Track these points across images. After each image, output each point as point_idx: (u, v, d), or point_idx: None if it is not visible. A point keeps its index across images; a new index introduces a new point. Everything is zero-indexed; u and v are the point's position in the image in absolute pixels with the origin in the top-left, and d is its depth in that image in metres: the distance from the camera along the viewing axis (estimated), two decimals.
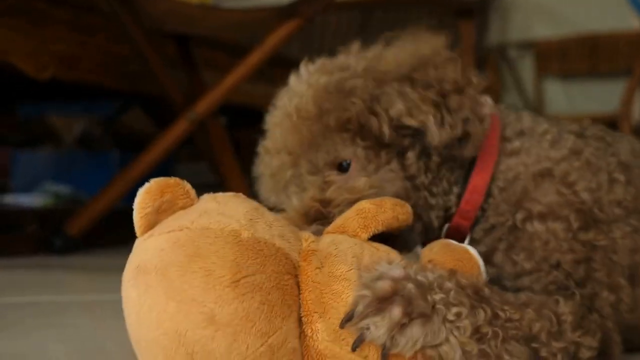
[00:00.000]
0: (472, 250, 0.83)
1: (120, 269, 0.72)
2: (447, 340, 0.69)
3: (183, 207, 0.75)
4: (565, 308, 0.78)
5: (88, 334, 1.03)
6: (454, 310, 0.70)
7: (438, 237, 0.90)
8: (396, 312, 0.68)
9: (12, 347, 0.99)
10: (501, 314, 0.73)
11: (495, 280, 0.86)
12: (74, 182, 2.49)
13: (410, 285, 0.70)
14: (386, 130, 0.87)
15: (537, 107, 4.04)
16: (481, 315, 0.72)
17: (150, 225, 0.74)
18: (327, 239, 0.79)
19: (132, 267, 0.72)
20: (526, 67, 4.18)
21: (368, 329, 0.68)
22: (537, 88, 4.11)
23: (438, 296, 0.70)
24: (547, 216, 0.84)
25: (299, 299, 0.73)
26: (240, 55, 1.96)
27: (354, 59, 0.94)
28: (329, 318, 0.71)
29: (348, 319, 0.69)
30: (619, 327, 0.84)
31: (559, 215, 0.84)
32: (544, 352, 0.75)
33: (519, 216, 0.86)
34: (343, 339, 0.70)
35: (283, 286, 0.71)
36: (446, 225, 0.91)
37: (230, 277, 0.68)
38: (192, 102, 1.92)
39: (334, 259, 0.74)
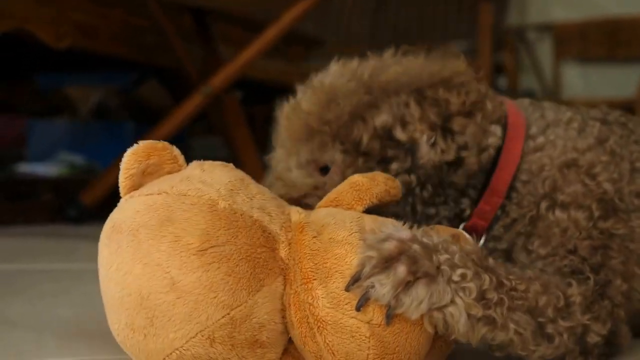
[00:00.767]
0: (467, 235, 0.83)
1: None
2: (452, 301, 0.69)
3: (170, 172, 0.75)
4: (576, 290, 0.78)
5: (97, 300, 1.04)
6: (459, 271, 0.70)
7: None
8: (401, 270, 0.68)
9: (26, 311, 1.01)
10: (506, 282, 0.73)
11: None
12: (88, 152, 2.51)
13: (416, 246, 0.70)
14: (365, 138, 0.86)
15: (554, 91, 4.02)
16: (486, 280, 0.71)
17: (134, 187, 0.74)
18: (321, 211, 0.79)
19: (109, 226, 0.72)
20: (544, 50, 4.15)
21: (373, 287, 0.69)
22: (555, 71, 4.08)
23: (443, 257, 0.71)
24: (569, 205, 0.84)
25: (293, 271, 0.72)
26: (256, 30, 1.96)
27: (372, 63, 0.92)
28: (333, 282, 0.71)
29: (355, 280, 0.70)
30: (629, 315, 0.84)
31: (581, 205, 0.84)
32: (550, 329, 0.75)
33: (543, 205, 0.86)
34: (346, 304, 0.70)
35: (255, 259, 0.70)
36: (462, 225, 0.89)
37: (198, 245, 0.68)
38: (208, 76, 1.93)
39: (333, 226, 0.74)
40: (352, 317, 0.70)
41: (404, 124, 0.85)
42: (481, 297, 0.70)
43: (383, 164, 0.88)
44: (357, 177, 0.81)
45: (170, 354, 0.68)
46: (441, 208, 0.89)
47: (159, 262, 0.68)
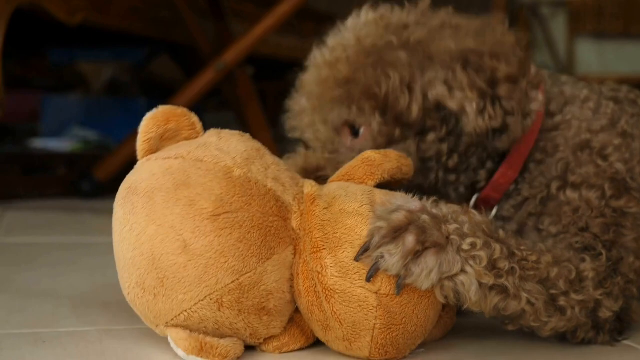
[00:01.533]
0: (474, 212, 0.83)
1: None
2: (463, 270, 0.70)
3: (187, 138, 0.76)
4: (589, 265, 0.78)
5: (112, 271, 1.05)
6: (469, 240, 0.71)
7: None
8: (410, 240, 0.69)
9: (42, 282, 1.02)
10: (517, 252, 0.73)
11: None
12: (101, 127, 2.53)
13: (425, 217, 0.71)
14: (415, 110, 0.86)
15: (567, 67, 3.99)
16: (497, 249, 0.72)
17: (152, 151, 0.75)
18: (333, 185, 0.79)
19: (125, 187, 0.74)
20: (558, 26, 4.11)
21: (382, 257, 0.69)
22: (569, 47, 4.05)
23: (452, 227, 0.71)
24: (581, 185, 0.84)
25: (303, 241, 0.73)
26: (269, 6, 1.95)
27: (414, 22, 0.90)
28: (342, 252, 0.71)
29: (364, 250, 0.70)
30: None
31: (593, 184, 0.84)
32: (562, 301, 0.75)
33: (554, 185, 0.86)
34: (355, 274, 0.71)
35: (266, 227, 0.71)
36: (475, 196, 0.90)
37: (212, 210, 0.70)
38: (220, 51, 1.93)
39: (344, 198, 0.75)
40: (360, 287, 0.71)
41: (450, 90, 0.84)
42: (492, 266, 0.71)
43: (420, 135, 0.87)
44: (369, 153, 0.82)
45: (179, 315, 0.70)
46: (462, 175, 0.90)
47: (172, 224, 0.69)
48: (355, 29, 0.91)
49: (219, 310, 0.70)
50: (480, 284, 0.70)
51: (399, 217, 0.70)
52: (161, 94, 2.34)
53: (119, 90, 2.69)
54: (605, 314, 0.79)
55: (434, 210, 0.73)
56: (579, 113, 0.89)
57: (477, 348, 0.81)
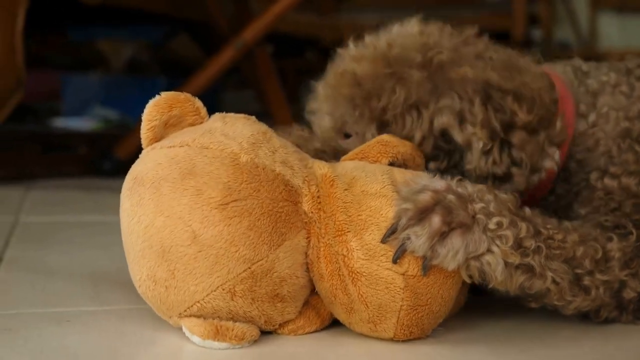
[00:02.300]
0: None
1: None
2: (489, 250, 0.69)
3: (192, 124, 0.75)
4: (615, 245, 0.77)
5: None
6: (495, 219, 0.70)
7: None
8: (436, 220, 0.69)
9: (64, 261, 1.03)
10: (543, 231, 0.73)
11: None
12: (121, 106, 2.53)
13: (450, 196, 0.70)
14: (418, 136, 0.82)
15: (590, 42, 3.94)
16: (523, 228, 0.71)
17: (156, 138, 0.75)
18: (348, 164, 0.78)
19: (131, 178, 0.73)
20: (580, 0, 4.05)
21: (409, 239, 0.69)
22: (591, 22, 3.99)
23: (478, 206, 0.71)
24: (621, 175, 0.83)
25: (325, 224, 0.72)
26: None
27: (448, 46, 0.86)
28: (368, 234, 0.71)
29: (391, 232, 0.70)
30: None
31: (632, 172, 0.83)
32: (586, 281, 0.75)
33: (593, 176, 0.85)
34: (382, 255, 0.71)
35: (276, 213, 0.71)
36: None
37: (220, 199, 0.69)
38: (239, 29, 1.92)
39: (364, 179, 0.74)
40: (387, 269, 0.70)
41: (462, 122, 0.80)
42: (518, 245, 0.70)
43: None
44: (386, 136, 0.81)
45: (191, 306, 0.70)
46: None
47: (180, 215, 0.69)
48: (393, 35, 0.89)
49: (232, 300, 0.70)
50: (506, 264, 0.70)
51: (425, 197, 0.70)
52: (180, 73, 2.34)
53: (139, 69, 2.69)
54: (629, 294, 0.78)
55: (460, 190, 0.72)
56: (612, 102, 0.87)
57: (498, 326, 0.81)
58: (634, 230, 0.80)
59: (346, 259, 0.71)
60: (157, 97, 0.75)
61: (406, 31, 0.89)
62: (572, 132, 0.86)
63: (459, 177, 0.75)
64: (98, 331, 0.75)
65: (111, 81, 2.68)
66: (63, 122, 2.48)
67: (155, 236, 0.69)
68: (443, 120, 0.81)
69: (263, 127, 0.77)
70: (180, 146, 0.72)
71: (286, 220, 0.71)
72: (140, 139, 0.76)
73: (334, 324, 0.77)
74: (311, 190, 0.74)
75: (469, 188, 0.73)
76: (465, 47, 0.86)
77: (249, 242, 0.69)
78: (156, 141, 0.75)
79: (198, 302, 0.70)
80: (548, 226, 0.74)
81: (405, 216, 0.70)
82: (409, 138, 0.83)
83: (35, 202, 1.50)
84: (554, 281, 0.72)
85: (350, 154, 0.82)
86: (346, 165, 0.78)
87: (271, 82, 2.06)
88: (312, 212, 0.73)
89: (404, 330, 0.72)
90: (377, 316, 0.72)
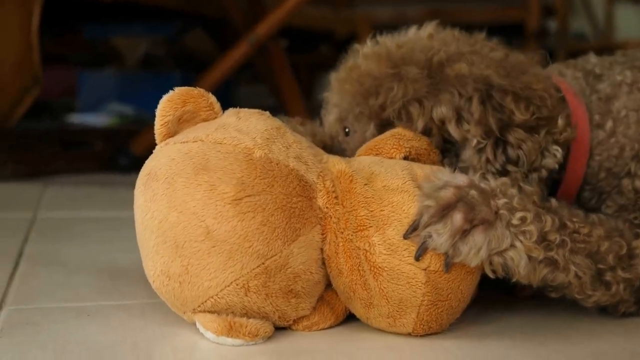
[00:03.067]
0: None
1: None
2: (512, 245, 0.69)
3: (206, 119, 0.75)
4: None
5: None
6: (519, 214, 0.70)
7: None
8: (457, 218, 0.68)
9: (83, 256, 1.04)
10: (569, 224, 0.72)
11: None
12: (136, 102, 2.54)
13: (473, 192, 0.70)
14: (420, 125, 0.81)
15: (606, 33, 3.91)
16: (548, 221, 0.71)
17: (170, 134, 0.75)
18: (364, 159, 0.78)
19: (145, 173, 0.73)
20: None
21: (430, 237, 0.69)
22: (608, 12, 3.96)
23: (501, 201, 0.70)
24: None
25: (344, 219, 0.72)
26: None
27: (454, 48, 0.85)
28: (391, 230, 0.71)
29: (413, 229, 0.70)
30: None
31: None
32: (608, 276, 0.75)
33: (625, 182, 0.84)
34: (405, 250, 0.70)
35: (290, 208, 0.70)
36: None
37: (233, 194, 0.69)
38: (253, 24, 1.92)
39: (384, 174, 0.74)
40: (409, 264, 0.70)
41: (459, 120, 0.80)
42: (542, 239, 0.70)
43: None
44: (401, 129, 0.81)
45: (205, 301, 0.70)
46: None
47: (194, 210, 0.68)
48: (404, 38, 0.89)
49: (246, 295, 0.70)
50: (530, 258, 0.70)
51: (447, 194, 0.70)
52: (195, 68, 2.35)
53: (154, 65, 2.70)
54: None
55: (482, 185, 0.71)
56: (630, 103, 0.86)
57: (518, 320, 0.81)
58: None
59: (368, 253, 0.71)
60: (171, 92, 0.75)
61: (418, 34, 0.89)
62: (588, 142, 0.84)
63: (482, 171, 0.74)
64: (117, 325, 0.76)
65: (126, 77, 2.69)
66: (79, 119, 2.49)
67: (168, 232, 0.69)
68: (442, 111, 0.81)
69: (277, 122, 0.77)
70: (194, 141, 0.72)
71: (300, 215, 0.71)
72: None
73: (349, 319, 0.77)
74: (326, 186, 0.74)
75: (492, 183, 0.72)
76: (469, 48, 0.86)
77: (262, 237, 0.69)
78: (170, 137, 0.75)
79: (212, 297, 0.70)
80: (574, 219, 0.73)
81: (427, 213, 0.69)
82: (412, 127, 0.82)
83: (53, 198, 1.52)
84: (576, 275, 0.72)
85: (364, 147, 0.82)
86: (362, 160, 0.78)
87: (285, 77, 2.06)
88: (327, 208, 0.73)
89: (423, 326, 0.72)
90: (397, 311, 0.72)
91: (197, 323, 0.72)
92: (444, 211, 0.69)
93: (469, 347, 0.73)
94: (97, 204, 1.49)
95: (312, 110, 1.03)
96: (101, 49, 2.77)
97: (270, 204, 0.70)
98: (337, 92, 0.90)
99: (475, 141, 0.79)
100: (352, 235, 0.72)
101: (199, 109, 0.75)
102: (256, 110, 0.77)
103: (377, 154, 0.80)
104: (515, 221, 0.70)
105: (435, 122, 0.81)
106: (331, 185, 0.74)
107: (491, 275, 0.71)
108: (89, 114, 2.51)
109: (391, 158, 0.79)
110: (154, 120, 0.76)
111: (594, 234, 0.74)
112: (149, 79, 2.64)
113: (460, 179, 0.71)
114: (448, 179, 0.71)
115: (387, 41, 0.89)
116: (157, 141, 0.76)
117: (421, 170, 0.76)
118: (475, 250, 0.69)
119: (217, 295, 0.70)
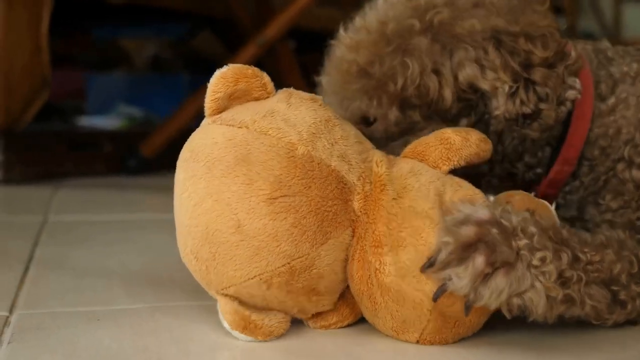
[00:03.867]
0: (551, 208, 0.80)
1: None
2: (532, 286, 0.67)
3: (258, 99, 0.74)
4: None
5: (163, 248, 1.07)
6: (539, 255, 0.68)
7: None
8: (479, 261, 0.65)
9: (94, 260, 1.04)
10: (582, 256, 0.71)
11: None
12: (145, 104, 2.54)
13: (494, 231, 0.67)
14: (448, 95, 0.81)
15: (614, 32, 3.89)
16: (565, 258, 0.69)
17: (220, 109, 0.74)
18: (405, 165, 0.75)
19: (188, 149, 0.73)
20: None
21: (450, 279, 0.66)
22: (616, 11, 3.95)
23: (522, 242, 0.68)
24: None
25: (365, 228, 0.71)
26: None
27: (442, 3, 0.84)
28: (406, 254, 0.69)
29: (429, 265, 0.68)
30: None
31: None
32: (622, 295, 0.74)
33: (620, 167, 0.84)
34: (413, 277, 0.69)
35: (324, 212, 0.69)
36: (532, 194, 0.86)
37: (269, 192, 0.68)
38: (261, 26, 1.92)
39: (415, 192, 0.72)
40: (418, 290, 0.69)
41: (482, 70, 0.80)
42: (560, 276, 0.69)
43: (450, 122, 0.84)
44: (449, 133, 0.77)
45: (229, 287, 0.71)
46: (497, 166, 0.87)
47: (228, 202, 0.69)
48: (381, 10, 0.87)
49: (268, 290, 0.70)
50: (548, 298, 0.68)
51: (467, 232, 0.66)
52: (204, 70, 2.35)
53: (162, 67, 2.70)
54: None
55: (504, 222, 0.68)
56: (633, 90, 0.86)
57: (535, 328, 0.78)
58: None
59: (378, 272, 0.70)
60: (225, 68, 0.74)
61: (392, 2, 0.87)
62: (591, 106, 0.85)
63: (505, 206, 0.72)
64: (129, 328, 0.76)
65: (135, 79, 2.69)
66: (88, 121, 2.50)
67: (202, 216, 0.70)
68: (467, 72, 0.81)
69: (327, 113, 0.75)
70: (239, 127, 0.71)
71: (333, 219, 0.70)
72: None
73: (360, 320, 0.77)
74: (365, 189, 0.72)
75: (513, 219, 0.69)
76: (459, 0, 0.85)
77: (291, 239, 0.69)
78: (219, 112, 0.74)
79: (235, 285, 0.70)
80: (585, 249, 0.72)
81: (446, 250, 0.66)
82: (436, 102, 0.82)
83: (63, 201, 1.52)
84: (592, 306, 0.72)
85: (409, 149, 0.78)
86: (403, 167, 0.75)
87: (293, 78, 2.06)
88: (360, 212, 0.72)
89: (426, 342, 0.72)
90: (401, 328, 0.72)
91: (217, 305, 0.73)
92: (464, 252, 0.66)
93: (483, 355, 0.72)
94: (107, 206, 1.49)
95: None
96: (110, 51, 2.77)
97: (304, 207, 0.69)
98: (339, 96, 0.88)
99: (507, 87, 0.79)
100: (367, 247, 0.71)
101: (252, 88, 0.74)
102: (309, 96, 0.76)
103: (421, 160, 0.77)
104: (535, 262, 0.68)
105: (464, 85, 0.82)
106: (370, 189, 0.72)
107: (507, 316, 0.69)
108: (98, 116, 2.51)
109: (436, 168, 0.76)
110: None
111: (606, 260, 0.73)
112: (158, 81, 2.64)
113: (482, 212, 0.69)
114: (469, 212, 0.69)
115: (366, 23, 0.87)
116: (206, 114, 0.75)
117: (452, 193, 0.73)
118: (497, 293, 0.66)
119: (240, 284, 0.70)
